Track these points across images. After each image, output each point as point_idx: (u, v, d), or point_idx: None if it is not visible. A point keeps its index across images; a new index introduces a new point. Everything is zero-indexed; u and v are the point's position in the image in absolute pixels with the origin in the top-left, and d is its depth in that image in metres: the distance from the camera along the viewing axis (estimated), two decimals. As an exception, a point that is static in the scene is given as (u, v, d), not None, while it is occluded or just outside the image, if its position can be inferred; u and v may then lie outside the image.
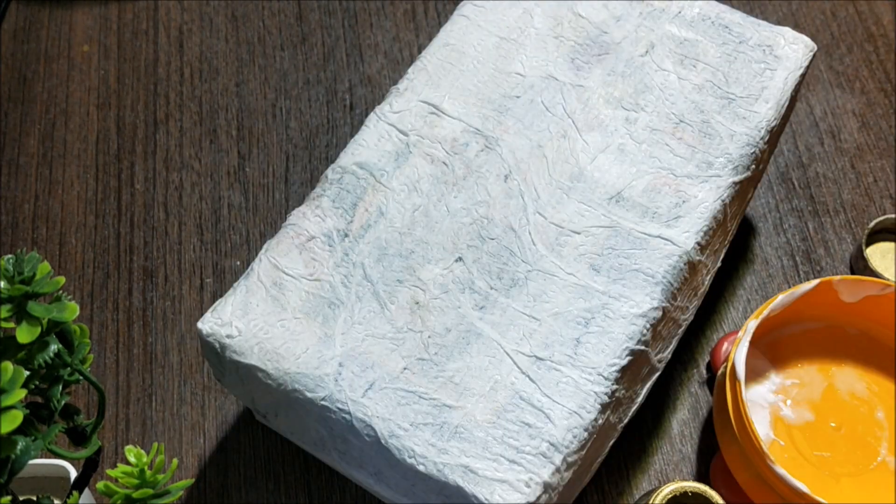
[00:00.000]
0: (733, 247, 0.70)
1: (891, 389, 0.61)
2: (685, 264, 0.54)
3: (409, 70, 0.60)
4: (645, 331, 0.52)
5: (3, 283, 0.41)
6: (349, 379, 0.50)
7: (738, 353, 0.56)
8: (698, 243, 0.54)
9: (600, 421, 0.50)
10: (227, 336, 0.52)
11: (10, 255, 0.42)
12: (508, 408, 0.50)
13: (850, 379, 0.61)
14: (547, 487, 0.48)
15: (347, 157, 0.57)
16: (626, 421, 0.55)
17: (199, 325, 0.53)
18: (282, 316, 0.52)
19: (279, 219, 0.68)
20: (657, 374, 0.57)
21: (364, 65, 0.74)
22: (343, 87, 0.73)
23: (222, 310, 0.53)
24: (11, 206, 0.69)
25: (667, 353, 0.57)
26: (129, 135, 0.72)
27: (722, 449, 0.58)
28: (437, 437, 0.49)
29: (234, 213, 0.68)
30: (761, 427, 0.60)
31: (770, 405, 0.61)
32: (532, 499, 0.47)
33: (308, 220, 0.55)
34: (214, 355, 0.53)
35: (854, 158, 0.73)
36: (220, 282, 0.66)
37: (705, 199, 0.55)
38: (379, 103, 0.70)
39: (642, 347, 0.52)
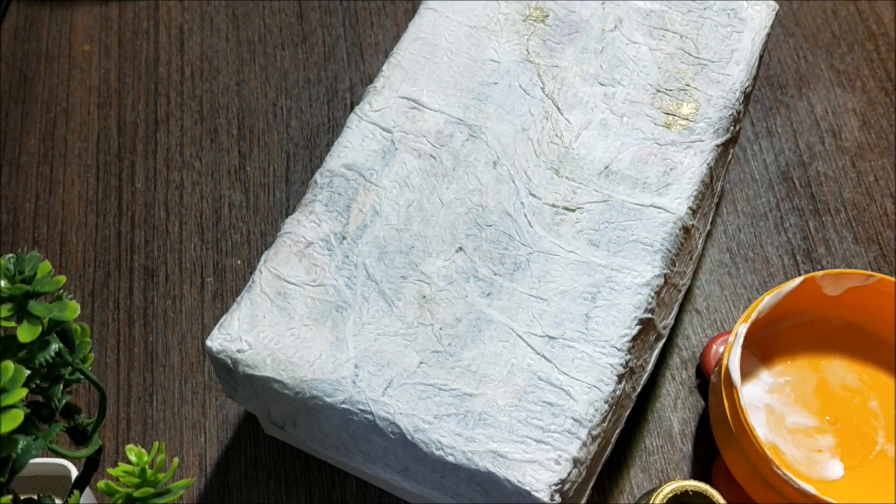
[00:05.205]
0: (734, 245, 0.70)
1: (881, 378, 0.61)
2: (680, 230, 0.55)
3: (384, 67, 0.60)
4: (650, 299, 0.53)
5: (4, 282, 0.41)
6: (367, 379, 0.50)
7: (732, 358, 0.56)
8: (690, 208, 0.55)
9: (618, 392, 0.51)
10: (238, 351, 0.52)
11: (10, 255, 0.42)
12: (528, 389, 0.50)
13: (841, 371, 0.62)
14: (576, 462, 0.48)
15: (334, 160, 0.57)
16: (638, 390, 0.56)
17: (208, 342, 0.52)
18: (290, 325, 0.52)
19: (280, 218, 0.68)
20: (663, 342, 0.58)
21: (365, 64, 0.74)
22: (344, 87, 0.73)
23: (229, 325, 0.52)
24: (12, 205, 0.69)
25: (669, 320, 0.58)
26: (129, 134, 0.71)
27: (722, 453, 0.58)
28: (461, 426, 0.49)
29: (235, 213, 0.68)
30: (759, 429, 0.60)
31: (765, 406, 0.61)
32: (563, 475, 0.48)
33: (303, 226, 0.55)
34: (226, 371, 0.52)
35: (855, 157, 0.73)
36: (221, 281, 0.66)
37: (692, 164, 0.56)
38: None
39: (649, 315, 0.53)
